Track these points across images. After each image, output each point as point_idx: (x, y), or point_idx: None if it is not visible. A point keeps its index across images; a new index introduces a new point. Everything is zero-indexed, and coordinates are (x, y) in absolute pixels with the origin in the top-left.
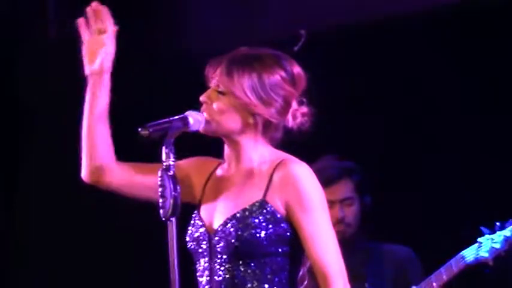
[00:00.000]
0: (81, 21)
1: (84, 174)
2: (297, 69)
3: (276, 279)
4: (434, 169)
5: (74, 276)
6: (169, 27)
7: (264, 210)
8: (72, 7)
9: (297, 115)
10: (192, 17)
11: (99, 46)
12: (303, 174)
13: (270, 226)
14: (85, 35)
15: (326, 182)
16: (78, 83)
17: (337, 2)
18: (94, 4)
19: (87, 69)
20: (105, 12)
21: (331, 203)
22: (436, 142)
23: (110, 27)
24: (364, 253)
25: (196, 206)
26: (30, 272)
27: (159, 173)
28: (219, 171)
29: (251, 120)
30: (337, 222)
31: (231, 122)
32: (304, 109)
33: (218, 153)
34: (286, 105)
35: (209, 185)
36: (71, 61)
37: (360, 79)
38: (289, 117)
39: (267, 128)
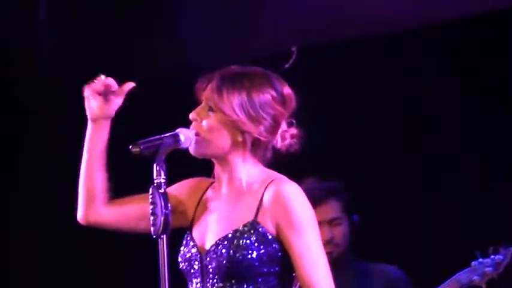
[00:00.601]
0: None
1: (81, 217)
2: (287, 90)
3: None
4: (427, 188)
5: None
6: (161, 44)
7: (256, 231)
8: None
9: (286, 136)
10: (184, 34)
11: (107, 97)
12: (293, 193)
13: (262, 247)
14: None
15: (313, 203)
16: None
17: (328, 19)
18: (109, 81)
19: (92, 114)
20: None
21: (319, 224)
22: (430, 161)
23: (123, 90)
24: (354, 273)
25: (188, 227)
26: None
27: (150, 191)
28: (210, 192)
29: (240, 138)
30: (326, 243)
31: (220, 139)
32: (294, 130)
33: (208, 170)
34: (276, 124)
35: (201, 206)
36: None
37: (349, 96)
38: (278, 137)
39: (255, 147)
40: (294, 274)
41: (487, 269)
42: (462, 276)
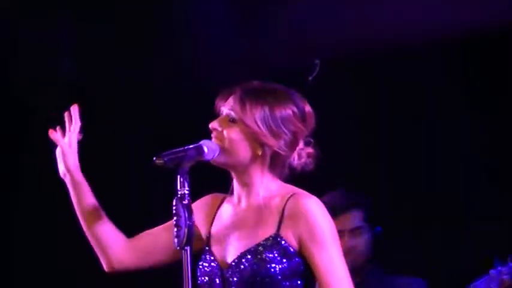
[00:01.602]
0: (54, 133)
1: (106, 268)
2: (308, 108)
3: None
4: (445, 201)
5: None
6: (177, 57)
7: (278, 245)
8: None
9: (303, 154)
10: (201, 46)
11: (67, 146)
12: (315, 208)
13: (284, 260)
14: (60, 139)
15: (334, 212)
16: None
17: (348, 30)
18: (73, 109)
19: (60, 171)
20: (75, 110)
21: (340, 233)
22: (446, 174)
23: (77, 125)
24: (378, 286)
25: (205, 242)
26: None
27: (174, 202)
28: (227, 206)
29: (259, 152)
30: (347, 253)
31: (240, 150)
32: (310, 149)
33: (225, 183)
34: (295, 140)
35: (217, 221)
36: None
37: (368, 108)
38: (295, 155)
39: (274, 162)
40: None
41: (505, 277)
42: (480, 284)
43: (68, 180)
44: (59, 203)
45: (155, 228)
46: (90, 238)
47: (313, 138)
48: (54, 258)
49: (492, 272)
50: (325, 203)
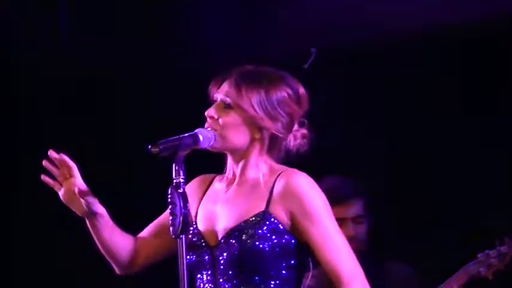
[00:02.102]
0: (45, 178)
1: (118, 272)
2: (302, 90)
3: None
4: (431, 186)
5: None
6: (173, 45)
7: (267, 222)
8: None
9: (297, 136)
10: (198, 35)
11: (72, 193)
12: (304, 183)
13: (274, 237)
14: (57, 187)
15: (338, 199)
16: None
17: (346, 20)
18: (56, 155)
19: (80, 213)
20: (64, 158)
21: (342, 220)
22: (434, 158)
23: (74, 168)
24: (367, 271)
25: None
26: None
27: (169, 190)
28: (217, 184)
29: (257, 135)
30: (350, 240)
31: (239, 136)
32: (304, 130)
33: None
34: (291, 122)
35: (206, 199)
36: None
37: (365, 97)
38: (291, 137)
39: (272, 144)
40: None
41: (493, 260)
42: (469, 268)
43: (91, 219)
44: (59, 203)
45: (156, 221)
46: (104, 253)
47: (309, 127)
48: (54, 258)
49: (480, 255)
50: (328, 189)
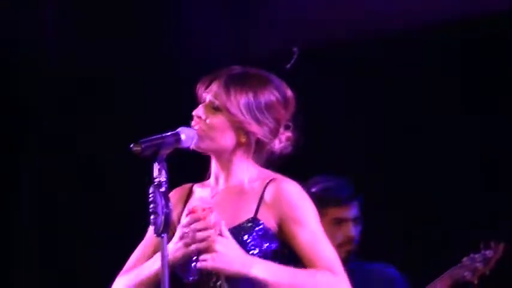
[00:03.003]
0: None
1: None
2: (289, 93)
3: None
4: (430, 186)
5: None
6: (159, 45)
7: (257, 228)
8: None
9: (282, 139)
10: (183, 33)
11: None
12: (294, 191)
13: (264, 243)
14: None
15: (340, 200)
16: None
17: (330, 19)
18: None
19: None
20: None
21: (344, 221)
22: (418, 159)
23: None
24: (352, 272)
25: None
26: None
27: (151, 189)
28: (199, 191)
29: (244, 139)
30: (349, 241)
31: (224, 138)
32: (289, 133)
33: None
34: (278, 126)
35: (189, 207)
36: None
37: (352, 97)
38: (276, 140)
39: (258, 148)
40: None
41: (478, 265)
42: (453, 272)
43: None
44: (59, 203)
45: (140, 246)
46: None
47: (302, 129)
48: (54, 258)
49: (465, 260)
50: (330, 190)
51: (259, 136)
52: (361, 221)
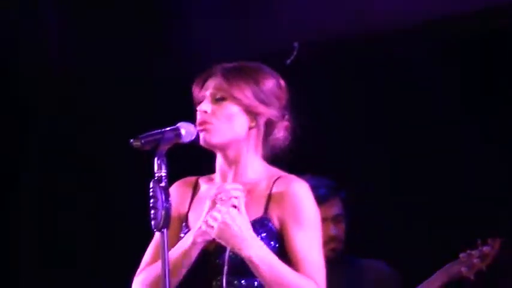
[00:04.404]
0: None
1: None
2: (282, 80)
3: None
4: (430, 186)
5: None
6: (159, 45)
7: (266, 227)
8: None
9: (281, 128)
10: (185, 31)
11: None
12: (302, 191)
13: (272, 242)
14: None
15: (318, 200)
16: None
17: (331, 15)
18: None
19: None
20: None
21: (323, 221)
22: (413, 154)
23: None
24: (345, 269)
25: (185, 224)
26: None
27: (151, 184)
28: (205, 187)
29: (253, 123)
30: (331, 240)
31: (235, 126)
32: (286, 123)
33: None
34: (282, 107)
35: (197, 204)
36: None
37: (350, 93)
38: (275, 130)
39: (268, 130)
40: None
41: (475, 260)
42: (450, 268)
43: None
44: (59, 203)
45: (152, 245)
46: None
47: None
48: (54, 258)
49: (462, 255)
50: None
51: (268, 116)
52: (344, 218)
